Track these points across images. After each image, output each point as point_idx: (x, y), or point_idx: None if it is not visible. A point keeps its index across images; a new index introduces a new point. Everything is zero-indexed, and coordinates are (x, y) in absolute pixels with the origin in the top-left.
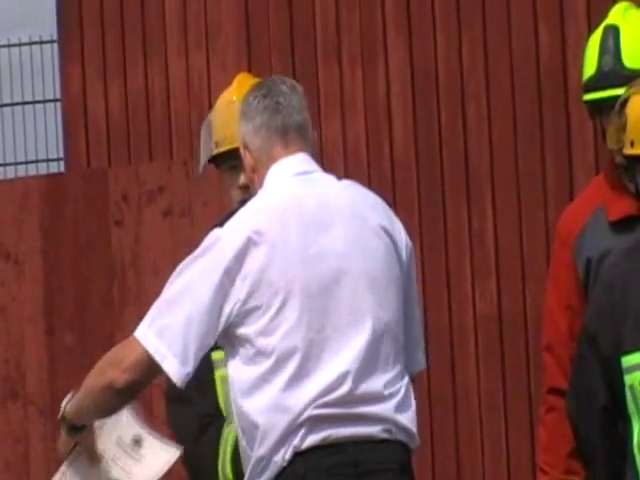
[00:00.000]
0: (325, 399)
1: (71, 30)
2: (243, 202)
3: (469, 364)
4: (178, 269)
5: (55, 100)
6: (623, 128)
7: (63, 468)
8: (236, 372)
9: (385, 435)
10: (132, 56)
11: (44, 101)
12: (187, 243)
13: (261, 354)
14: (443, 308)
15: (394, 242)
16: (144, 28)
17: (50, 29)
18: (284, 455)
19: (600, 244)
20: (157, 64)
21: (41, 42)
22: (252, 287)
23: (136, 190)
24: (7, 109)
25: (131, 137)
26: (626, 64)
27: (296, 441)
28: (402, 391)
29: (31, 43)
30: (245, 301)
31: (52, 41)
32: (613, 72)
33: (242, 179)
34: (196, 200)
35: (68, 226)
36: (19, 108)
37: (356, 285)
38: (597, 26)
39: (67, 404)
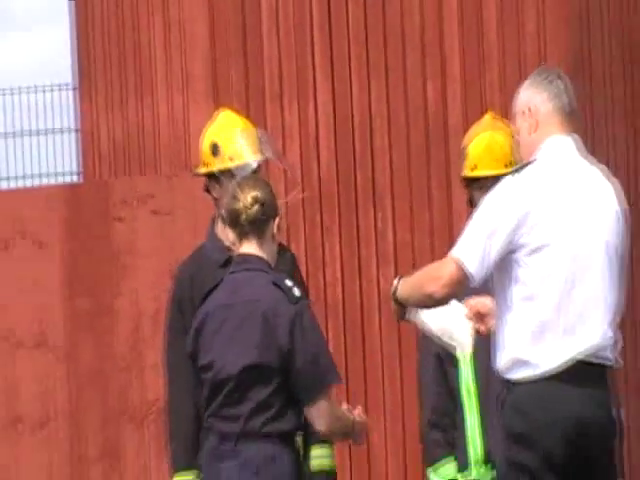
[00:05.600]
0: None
1: (85, 78)
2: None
3: (374, 330)
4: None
5: (69, 130)
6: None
7: (417, 315)
8: None
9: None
10: (130, 96)
11: (61, 130)
12: (169, 235)
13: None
14: (355, 287)
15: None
16: (140, 75)
17: (65, 77)
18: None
19: None
20: (148, 103)
21: (59, 88)
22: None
23: (132, 195)
24: (30, 137)
25: (129, 157)
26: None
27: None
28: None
29: (52, 89)
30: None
31: (67, 87)
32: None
33: None
34: (176, 204)
35: (83, 221)
36: (43, 137)
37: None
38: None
39: (397, 286)
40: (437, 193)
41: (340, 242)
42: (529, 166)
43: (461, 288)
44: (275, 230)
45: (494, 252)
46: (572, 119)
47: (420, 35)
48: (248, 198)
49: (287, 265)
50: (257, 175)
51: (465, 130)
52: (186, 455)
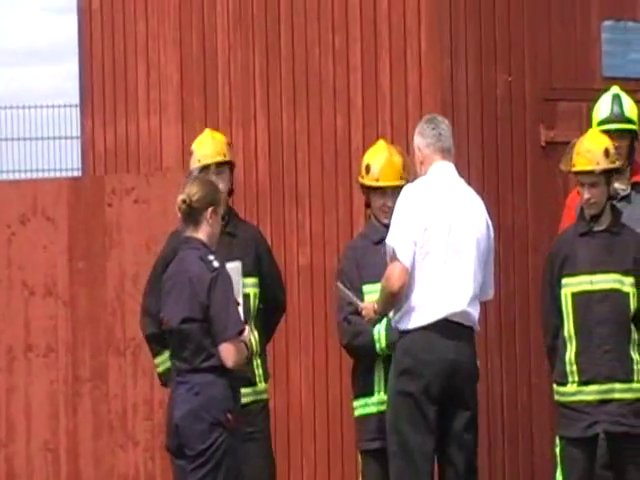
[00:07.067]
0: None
1: (87, 100)
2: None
3: (294, 289)
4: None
5: (75, 137)
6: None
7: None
8: None
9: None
10: (120, 115)
11: (67, 137)
12: (145, 218)
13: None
14: (281, 260)
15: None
16: (127, 101)
17: (72, 99)
18: None
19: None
20: (133, 120)
21: (68, 105)
22: (421, 221)
23: (119, 188)
24: (48, 142)
25: (117, 159)
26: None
27: None
28: None
29: (64, 106)
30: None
31: (75, 106)
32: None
33: (221, 187)
34: (152, 195)
35: (82, 205)
36: (56, 141)
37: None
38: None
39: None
40: (342, 196)
41: (271, 229)
42: (420, 178)
43: (405, 275)
44: (209, 216)
45: (412, 241)
46: (447, 154)
47: (333, 82)
48: (179, 200)
49: (252, 239)
50: (201, 176)
51: (364, 151)
52: (157, 349)
